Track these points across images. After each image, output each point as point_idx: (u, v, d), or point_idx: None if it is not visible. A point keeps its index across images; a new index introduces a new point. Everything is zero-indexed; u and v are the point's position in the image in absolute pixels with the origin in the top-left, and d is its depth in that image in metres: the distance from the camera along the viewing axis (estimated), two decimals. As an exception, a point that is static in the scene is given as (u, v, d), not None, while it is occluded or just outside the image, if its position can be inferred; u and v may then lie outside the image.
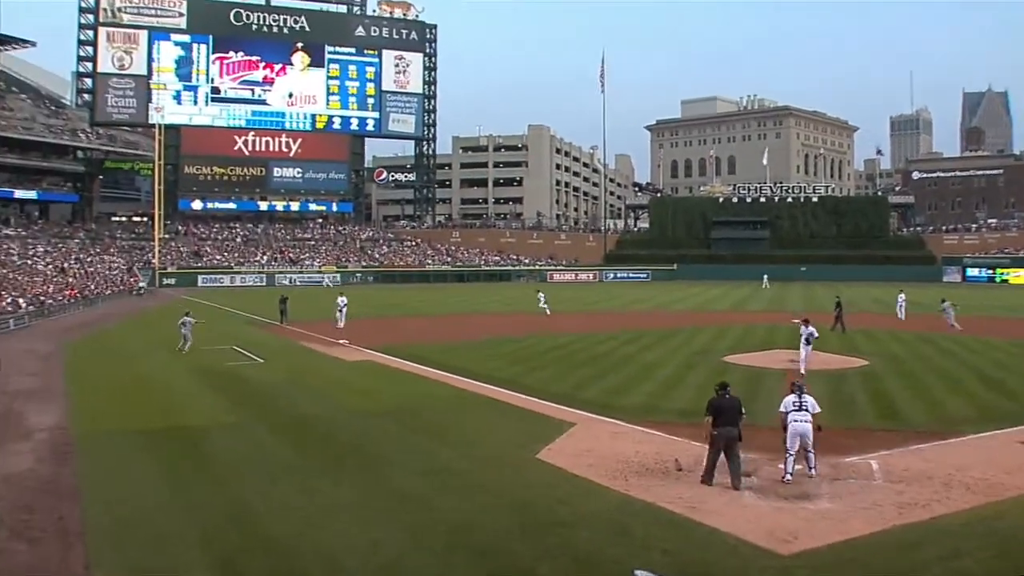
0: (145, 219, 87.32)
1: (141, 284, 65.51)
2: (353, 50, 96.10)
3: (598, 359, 24.16)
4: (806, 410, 11.84)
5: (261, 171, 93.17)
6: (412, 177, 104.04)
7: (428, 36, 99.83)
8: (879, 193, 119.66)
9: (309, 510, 10.32)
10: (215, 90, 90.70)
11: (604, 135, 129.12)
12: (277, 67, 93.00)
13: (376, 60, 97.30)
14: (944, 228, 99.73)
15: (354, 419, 15.98)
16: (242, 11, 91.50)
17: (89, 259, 73.08)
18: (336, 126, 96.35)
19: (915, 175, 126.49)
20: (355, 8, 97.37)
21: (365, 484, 11.44)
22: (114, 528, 9.79)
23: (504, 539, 9.33)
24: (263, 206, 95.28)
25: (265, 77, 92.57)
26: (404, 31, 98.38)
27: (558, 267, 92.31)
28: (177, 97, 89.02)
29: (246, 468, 12.26)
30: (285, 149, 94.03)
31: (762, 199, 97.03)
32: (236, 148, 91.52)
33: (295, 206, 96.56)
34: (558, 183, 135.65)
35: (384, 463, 12.58)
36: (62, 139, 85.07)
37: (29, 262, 65.91)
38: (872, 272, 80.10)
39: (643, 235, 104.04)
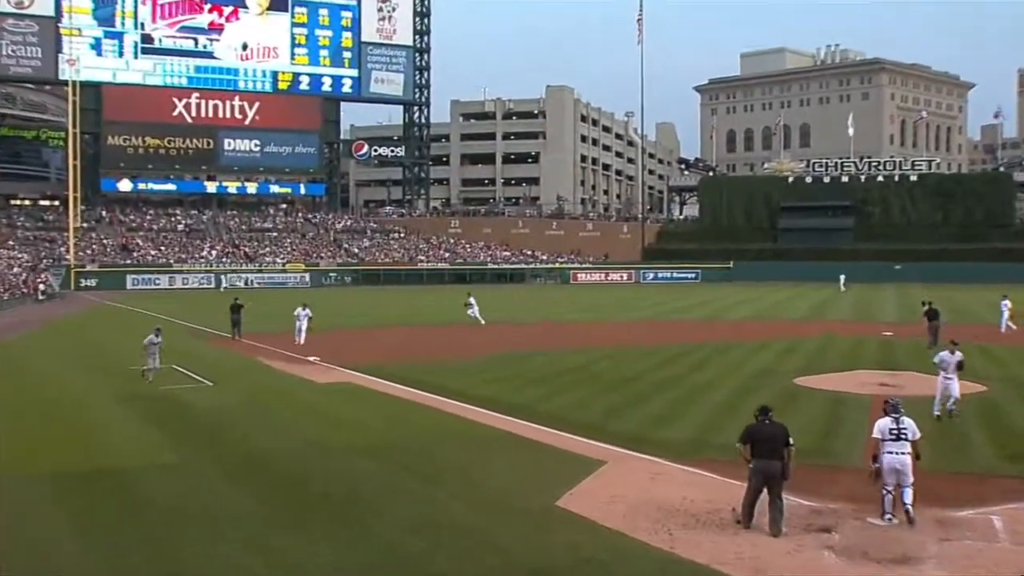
0: (56, 203, 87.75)
1: (42, 285, 65.47)
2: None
3: (633, 381, 24.21)
4: (905, 439, 11.78)
5: (208, 143, 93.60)
6: (400, 152, 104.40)
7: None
8: (1001, 169, 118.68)
9: (262, 574, 10.22)
10: (146, 38, 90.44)
11: (642, 98, 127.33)
12: (227, 10, 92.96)
13: (354, 3, 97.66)
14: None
15: (327, 457, 15.99)
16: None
17: (-20, 254, 73.26)
18: (304, 86, 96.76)
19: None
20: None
21: (340, 541, 11.37)
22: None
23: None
24: (211, 187, 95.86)
25: (212, 23, 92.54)
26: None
27: (584, 265, 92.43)
28: (96, 47, 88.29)
29: (185, 520, 12.23)
30: (239, 115, 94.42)
31: (845, 178, 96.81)
32: (175, 113, 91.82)
33: (252, 188, 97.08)
34: (583, 159, 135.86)
35: (365, 513, 12.56)
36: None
37: None
38: (989, 271, 79.03)
39: (691, 225, 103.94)
